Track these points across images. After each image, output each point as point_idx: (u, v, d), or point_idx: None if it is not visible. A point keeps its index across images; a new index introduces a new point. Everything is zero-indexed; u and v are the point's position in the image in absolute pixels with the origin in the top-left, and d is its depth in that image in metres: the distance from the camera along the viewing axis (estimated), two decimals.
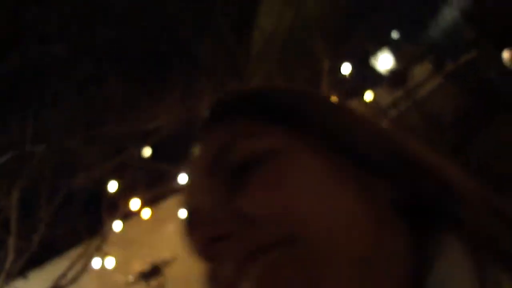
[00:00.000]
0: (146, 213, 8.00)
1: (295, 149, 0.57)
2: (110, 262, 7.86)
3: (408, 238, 0.54)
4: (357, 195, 0.54)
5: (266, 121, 0.60)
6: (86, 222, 7.81)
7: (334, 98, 0.60)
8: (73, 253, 8.00)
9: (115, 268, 8.15)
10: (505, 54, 8.12)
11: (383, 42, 9.89)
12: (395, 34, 10.30)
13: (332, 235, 0.51)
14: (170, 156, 7.65)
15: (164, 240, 8.76)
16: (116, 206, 7.78)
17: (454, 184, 0.54)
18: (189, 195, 0.62)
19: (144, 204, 7.89)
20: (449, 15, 11.55)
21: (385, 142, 0.58)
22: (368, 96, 9.82)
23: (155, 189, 7.99)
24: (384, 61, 11.23)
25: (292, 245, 0.50)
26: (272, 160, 0.55)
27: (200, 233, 0.55)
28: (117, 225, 7.77)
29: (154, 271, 8.20)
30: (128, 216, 8.03)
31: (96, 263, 7.76)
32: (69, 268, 7.41)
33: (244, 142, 0.58)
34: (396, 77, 11.37)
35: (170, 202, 8.42)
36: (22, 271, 7.27)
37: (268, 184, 0.54)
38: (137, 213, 7.95)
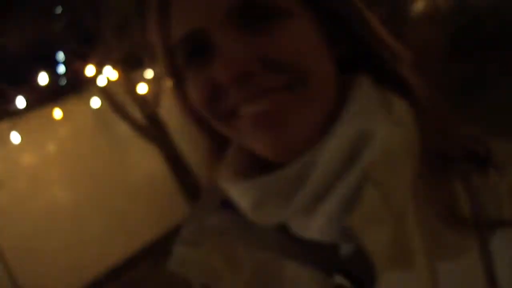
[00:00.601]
0: None
1: (303, 13, 0.72)
2: None
3: (344, 78, 0.77)
4: (330, 53, 0.75)
5: None
6: None
7: None
8: None
9: None
10: None
11: None
12: None
13: (322, 79, 0.73)
14: (11, 76, 7.38)
15: None
16: None
17: (395, 50, 0.79)
18: (206, 32, 0.71)
19: None
20: None
21: (359, 19, 0.77)
22: None
23: None
24: None
25: (297, 87, 0.70)
26: (290, 18, 0.70)
27: (225, 68, 0.68)
28: None
29: None
30: None
31: None
32: None
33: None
34: None
35: (3, 125, 8.09)
36: None
37: (288, 36, 0.69)
38: None
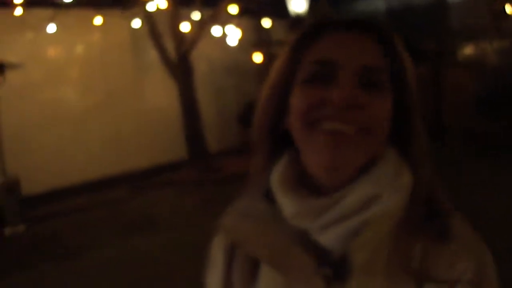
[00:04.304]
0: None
1: (389, 89, 1.00)
2: None
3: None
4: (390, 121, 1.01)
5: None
6: None
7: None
8: None
9: None
10: None
11: None
12: None
13: (381, 136, 0.99)
14: None
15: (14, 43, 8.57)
16: None
17: (419, 139, 1.04)
18: (338, 66, 0.98)
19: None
20: None
21: (414, 110, 1.05)
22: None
23: None
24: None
25: (366, 132, 0.96)
26: (385, 91, 0.99)
27: (341, 94, 0.95)
28: None
29: None
30: None
31: None
32: None
33: (383, 75, 1.00)
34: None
35: (44, 12, 8.22)
36: None
37: (380, 103, 0.98)
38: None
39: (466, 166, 8.36)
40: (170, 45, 9.67)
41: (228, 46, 10.13)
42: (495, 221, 5.86)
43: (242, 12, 9.84)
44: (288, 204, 1.01)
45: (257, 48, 11.72)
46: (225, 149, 11.29)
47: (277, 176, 1.05)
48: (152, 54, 9.91)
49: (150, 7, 8.67)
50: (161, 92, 10.61)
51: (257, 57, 11.24)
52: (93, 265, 5.94)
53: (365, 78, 0.97)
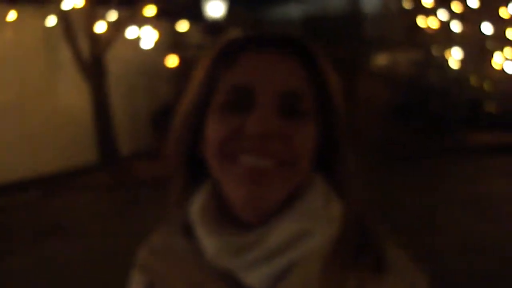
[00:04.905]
0: None
1: (314, 116, 0.92)
2: None
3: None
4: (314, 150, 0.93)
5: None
6: None
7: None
8: None
9: None
10: None
11: None
12: None
13: (304, 168, 0.91)
14: None
15: None
16: None
17: (344, 165, 0.97)
18: (256, 92, 0.90)
19: None
20: None
21: (341, 133, 0.98)
22: None
23: None
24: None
25: (288, 165, 0.88)
26: (308, 117, 0.91)
27: (259, 125, 0.86)
28: None
29: None
30: None
31: None
32: None
33: (307, 100, 0.92)
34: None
35: None
36: None
37: (302, 133, 0.89)
38: None
39: (382, 175, 8.64)
40: (85, 45, 9.39)
41: (143, 48, 9.95)
42: (417, 227, 6.13)
43: (158, 14, 9.71)
44: (209, 241, 0.91)
45: (172, 51, 11.62)
46: (137, 152, 11.10)
47: (197, 209, 0.95)
48: (66, 54, 9.57)
49: (66, 5, 8.38)
50: (74, 93, 10.23)
51: (172, 60, 11.13)
52: (4, 274, 5.67)
53: (286, 105, 0.89)
